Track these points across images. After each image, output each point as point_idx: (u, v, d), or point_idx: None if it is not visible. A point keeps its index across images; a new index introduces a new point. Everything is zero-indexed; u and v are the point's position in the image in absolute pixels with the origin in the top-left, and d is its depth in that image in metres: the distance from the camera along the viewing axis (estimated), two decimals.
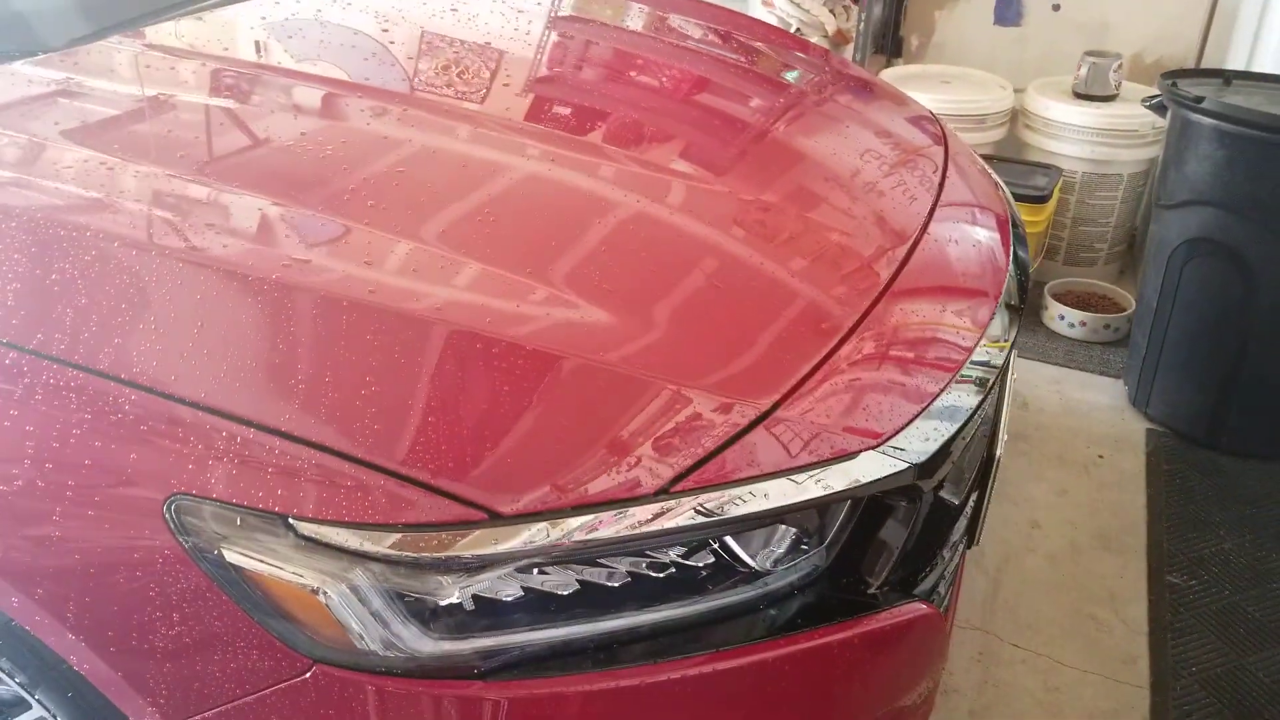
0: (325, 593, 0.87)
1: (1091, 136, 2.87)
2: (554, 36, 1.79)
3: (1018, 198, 2.72)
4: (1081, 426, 2.46)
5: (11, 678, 1.02)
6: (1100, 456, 2.35)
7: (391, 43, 1.62)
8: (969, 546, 1.42)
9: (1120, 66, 2.89)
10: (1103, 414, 2.51)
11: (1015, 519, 2.15)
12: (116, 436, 0.90)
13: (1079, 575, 2.00)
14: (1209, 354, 2.29)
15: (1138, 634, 1.86)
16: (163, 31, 1.53)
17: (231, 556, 0.88)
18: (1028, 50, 3.32)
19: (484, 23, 1.74)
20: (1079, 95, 2.93)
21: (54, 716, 1.03)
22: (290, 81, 1.45)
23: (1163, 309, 2.35)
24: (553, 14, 1.92)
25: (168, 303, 0.99)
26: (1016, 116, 3.08)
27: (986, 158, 2.97)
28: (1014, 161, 2.96)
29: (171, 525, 0.88)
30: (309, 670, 0.90)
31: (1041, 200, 2.72)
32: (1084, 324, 2.80)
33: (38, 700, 1.03)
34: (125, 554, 0.90)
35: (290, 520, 0.87)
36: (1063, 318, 2.84)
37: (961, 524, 1.32)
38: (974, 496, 1.38)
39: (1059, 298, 2.88)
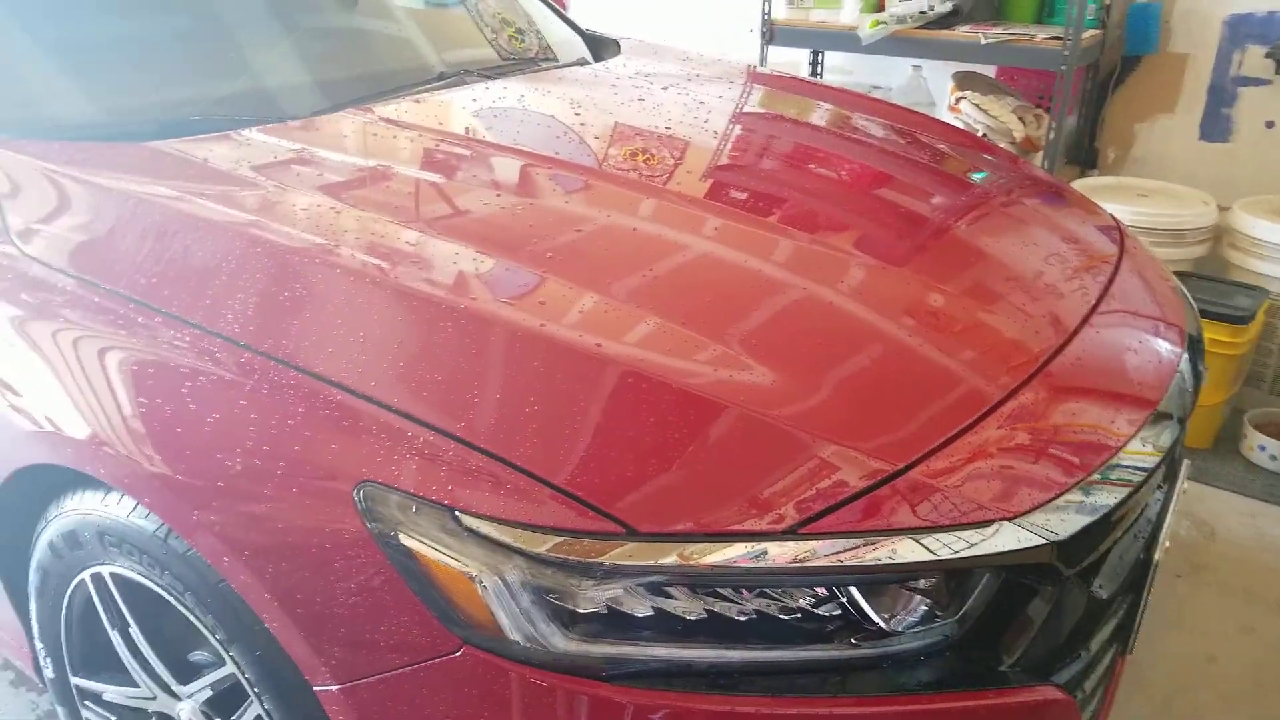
0: (480, 581, 0.98)
1: None
2: (760, 131, 1.92)
3: (1216, 317, 2.61)
4: (1276, 564, 2.29)
5: (214, 633, 1.18)
6: None
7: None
8: (1123, 653, 1.37)
9: None
10: None
11: (1191, 651, 2.01)
12: (322, 428, 1.05)
13: (1258, 718, 1.85)
14: None
15: None
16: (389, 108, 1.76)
17: (406, 540, 1.00)
18: (1236, 167, 3.19)
19: (686, 115, 1.90)
20: None
21: (242, 673, 1.18)
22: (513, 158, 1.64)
23: None
24: (776, 115, 2.08)
25: (376, 322, 1.15)
26: (1221, 235, 2.96)
27: (1184, 274, 2.86)
28: (1215, 280, 2.83)
29: (359, 507, 1.01)
30: (459, 649, 1.00)
31: (1243, 321, 2.59)
32: None
33: (231, 657, 1.18)
34: (319, 528, 1.04)
35: (457, 513, 0.99)
36: (1263, 449, 2.65)
37: (1111, 623, 1.29)
38: (1128, 600, 1.34)
39: (1261, 427, 2.70)
